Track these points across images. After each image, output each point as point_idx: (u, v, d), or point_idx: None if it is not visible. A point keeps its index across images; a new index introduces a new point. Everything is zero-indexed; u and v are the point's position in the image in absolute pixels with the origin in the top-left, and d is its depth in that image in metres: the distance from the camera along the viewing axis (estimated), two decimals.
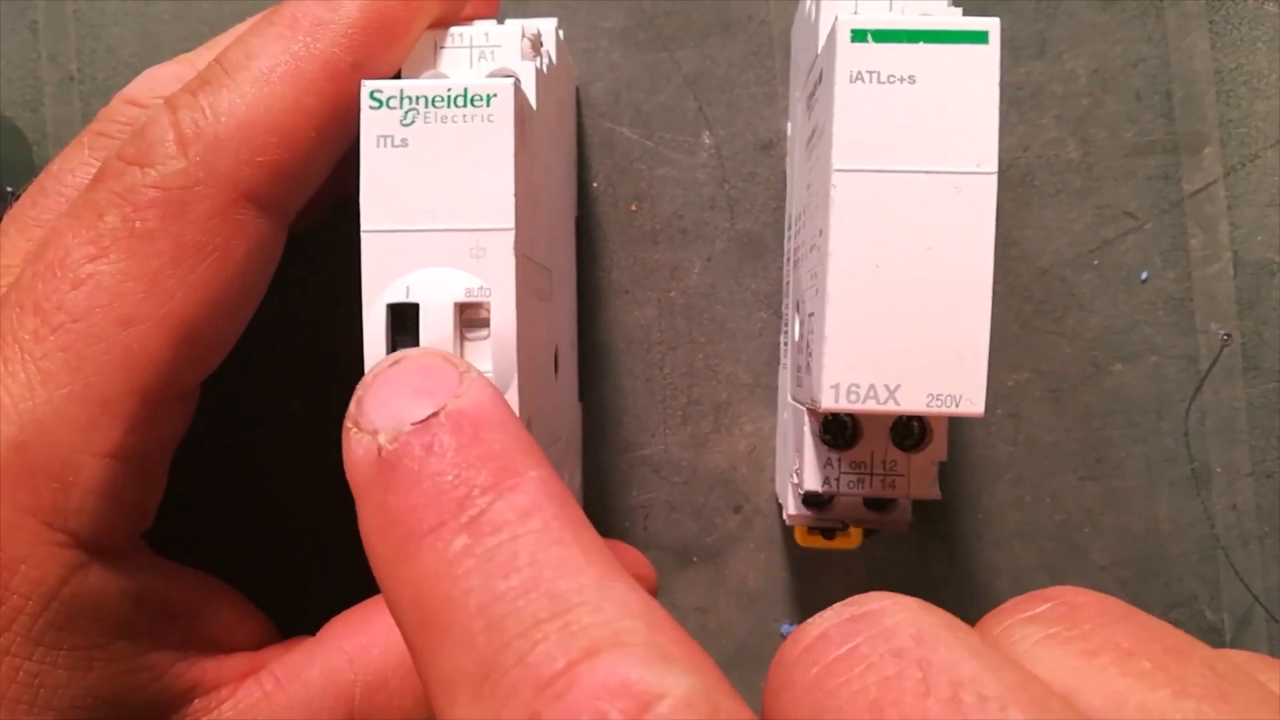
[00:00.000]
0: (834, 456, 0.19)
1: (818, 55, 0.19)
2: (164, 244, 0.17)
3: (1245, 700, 0.10)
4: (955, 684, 0.10)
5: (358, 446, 0.13)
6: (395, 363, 0.14)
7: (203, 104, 0.17)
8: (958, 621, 0.11)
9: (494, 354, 0.16)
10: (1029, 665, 0.11)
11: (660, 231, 0.25)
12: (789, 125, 0.25)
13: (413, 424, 0.13)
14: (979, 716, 0.10)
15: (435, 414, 0.13)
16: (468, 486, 0.12)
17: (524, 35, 0.18)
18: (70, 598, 0.17)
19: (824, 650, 0.11)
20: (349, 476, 0.13)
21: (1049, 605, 0.12)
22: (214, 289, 0.17)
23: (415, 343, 0.16)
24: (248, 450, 0.25)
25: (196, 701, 0.19)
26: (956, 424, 0.24)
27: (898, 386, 0.16)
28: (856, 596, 0.12)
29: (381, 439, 0.13)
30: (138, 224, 0.17)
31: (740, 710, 0.10)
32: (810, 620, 0.11)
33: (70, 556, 0.17)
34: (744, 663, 0.25)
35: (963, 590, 0.25)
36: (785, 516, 0.22)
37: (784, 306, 0.25)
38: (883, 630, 0.11)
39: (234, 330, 0.19)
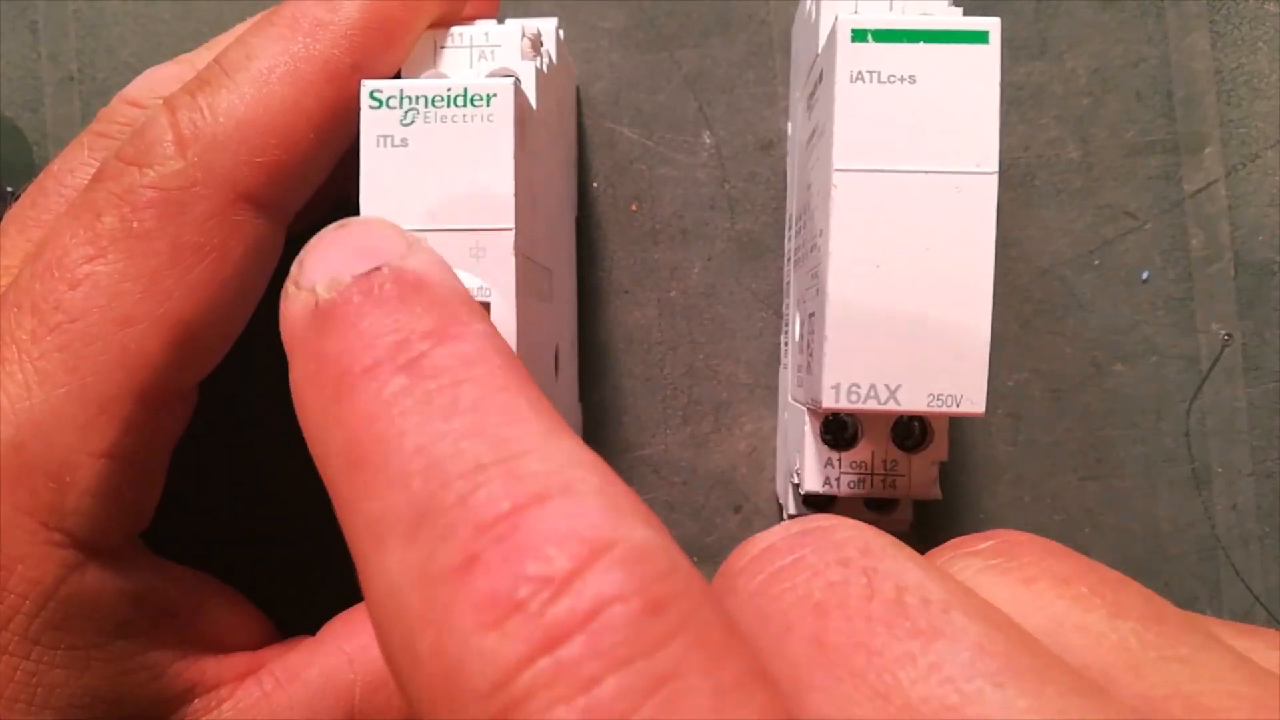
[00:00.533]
0: (834, 456, 0.19)
1: (818, 55, 0.19)
2: (162, 244, 0.17)
3: (1179, 624, 0.10)
4: (900, 588, 0.10)
5: (294, 304, 0.12)
6: (342, 225, 0.13)
7: (201, 104, 0.17)
8: (904, 544, 0.11)
9: None
10: None
11: (660, 231, 0.25)
12: (789, 125, 0.25)
13: (354, 276, 0.12)
14: (922, 616, 0.10)
15: (378, 269, 0.12)
16: (407, 331, 0.11)
17: (524, 35, 0.18)
18: (67, 597, 0.17)
19: (770, 560, 0.11)
20: (284, 338, 0.13)
21: (990, 543, 0.12)
22: (211, 290, 0.17)
23: None
24: (247, 450, 0.25)
25: (196, 701, 0.19)
26: (956, 424, 0.24)
27: (898, 386, 0.16)
28: (804, 516, 0.12)
29: (319, 289, 0.12)
30: (135, 224, 0.17)
31: (697, 572, 0.10)
32: (757, 535, 0.11)
33: (67, 556, 0.17)
34: None
35: None
36: (785, 517, 0.22)
37: (784, 306, 0.25)
38: (831, 542, 0.11)
39: (232, 331, 0.19)
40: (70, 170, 0.20)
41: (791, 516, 0.21)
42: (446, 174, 0.16)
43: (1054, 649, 0.10)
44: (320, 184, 0.19)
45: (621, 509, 0.10)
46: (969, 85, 0.16)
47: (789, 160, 0.25)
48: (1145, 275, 0.24)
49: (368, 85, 0.16)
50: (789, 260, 0.24)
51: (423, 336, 0.11)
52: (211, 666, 0.19)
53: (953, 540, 0.13)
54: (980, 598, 0.10)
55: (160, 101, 0.18)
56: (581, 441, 0.11)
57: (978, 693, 0.09)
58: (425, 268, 0.12)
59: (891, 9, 0.18)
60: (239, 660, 0.19)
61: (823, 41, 0.18)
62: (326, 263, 0.13)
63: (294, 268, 0.13)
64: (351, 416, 0.11)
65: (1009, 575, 0.11)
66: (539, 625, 0.09)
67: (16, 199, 0.20)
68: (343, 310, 0.12)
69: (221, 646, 0.20)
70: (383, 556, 0.10)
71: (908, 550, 0.11)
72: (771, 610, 0.10)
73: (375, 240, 0.13)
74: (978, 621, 0.10)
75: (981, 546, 0.12)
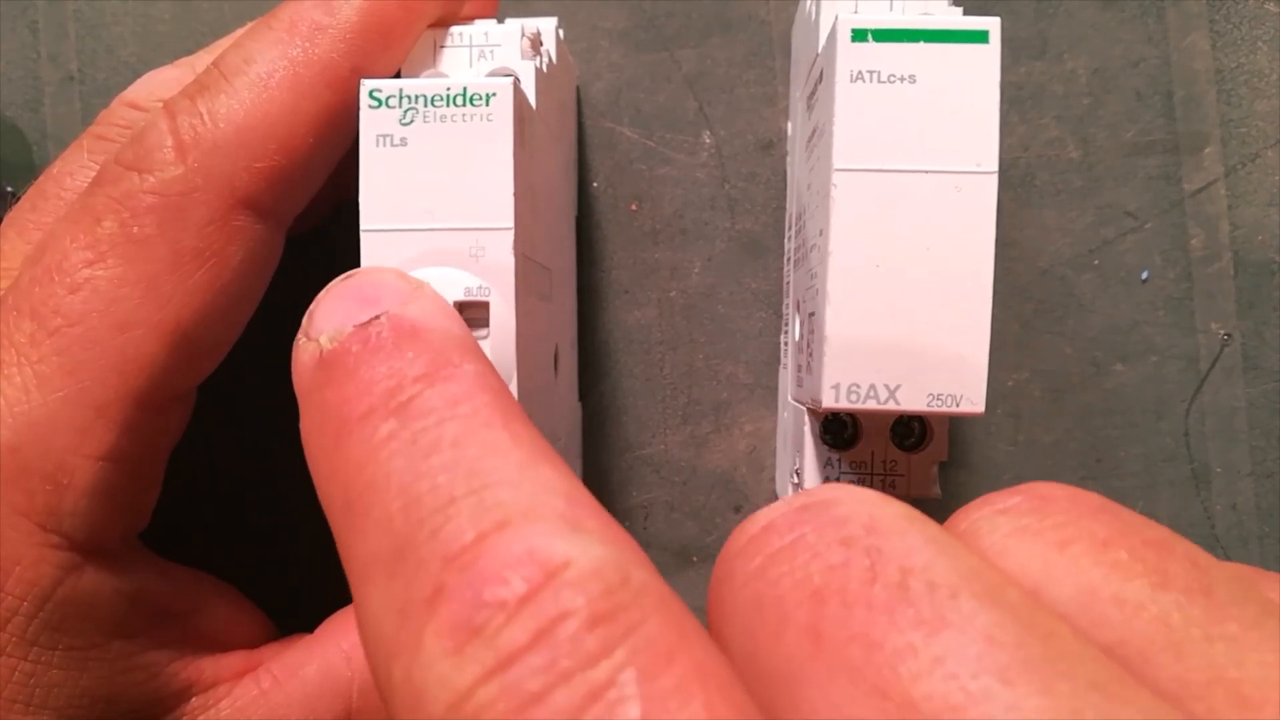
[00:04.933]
0: (834, 456, 0.19)
1: (818, 55, 0.19)
2: (161, 250, 0.17)
3: (1229, 596, 0.10)
4: (904, 571, 0.09)
5: (302, 353, 0.13)
6: (348, 277, 0.14)
7: (201, 110, 0.17)
8: (918, 512, 0.11)
9: (493, 353, 0.16)
10: (997, 558, 0.11)
11: (660, 231, 0.25)
12: (789, 125, 0.25)
13: (355, 326, 0.13)
14: (927, 603, 0.09)
15: (377, 317, 0.13)
16: (399, 377, 0.12)
17: (524, 34, 0.18)
18: (64, 598, 0.17)
19: (768, 540, 0.10)
20: (294, 385, 0.13)
21: (1020, 498, 0.11)
22: (210, 294, 0.17)
23: None
24: (246, 449, 0.25)
25: (194, 699, 0.19)
26: (956, 424, 0.24)
27: (898, 386, 0.16)
28: (810, 489, 0.11)
29: (323, 340, 0.13)
30: (135, 229, 0.17)
31: (656, 582, 0.10)
32: (758, 511, 0.11)
33: (64, 558, 0.17)
34: None
35: None
36: None
37: (784, 306, 0.25)
38: (833, 519, 0.10)
39: (230, 335, 0.19)
40: (69, 173, 0.20)
41: None
42: (446, 173, 0.16)
43: (1086, 623, 0.10)
44: (318, 188, 0.19)
45: (582, 528, 0.10)
46: (969, 85, 0.16)
47: (789, 160, 0.25)
48: (1145, 275, 0.24)
49: (367, 84, 0.16)
50: (789, 260, 0.24)
51: (414, 380, 0.12)
52: (209, 665, 0.19)
53: (982, 497, 0.12)
54: (996, 576, 0.10)
55: (159, 105, 0.18)
56: (560, 465, 0.11)
57: (984, 691, 0.08)
58: (423, 314, 0.13)
59: (891, 9, 0.18)
60: (236, 658, 0.19)
61: (823, 41, 0.18)
62: (332, 314, 0.13)
63: (305, 319, 0.14)
64: (347, 463, 0.12)
65: (1041, 538, 0.11)
66: (493, 648, 0.09)
67: (17, 199, 0.20)
68: (342, 359, 0.13)
69: (219, 645, 0.20)
70: (368, 593, 0.11)
71: (920, 522, 0.10)
72: (767, 598, 0.10)
73: (378, 290, 0.13)
74: (989, 607, 0.09)
75: (1011, 503, 0.11)
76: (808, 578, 0.10)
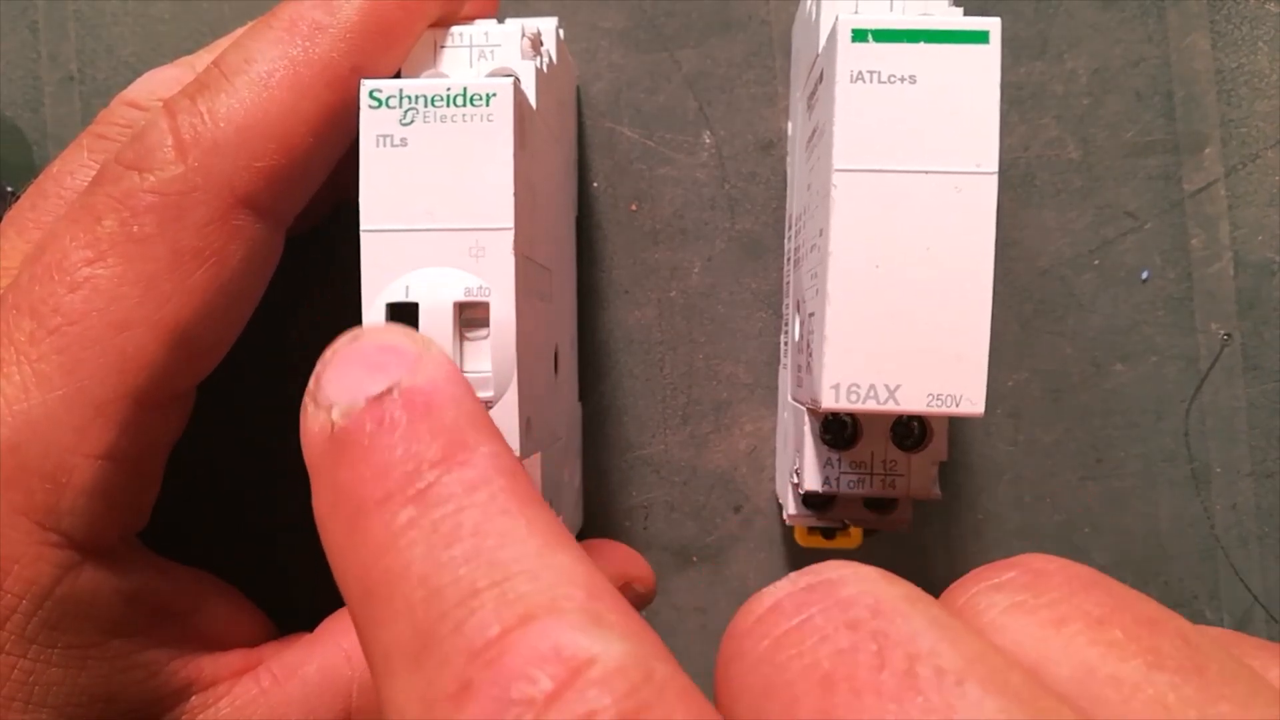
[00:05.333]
0: (834, 456, 0.19)
1: (818, 55, 0.19)
2: (160, 249, 0.17)
3: (1220, 674, 0.10)
4: (911, 657, 0.10)
5: (313, 422, 0.13)
6: (355, 339, 0.14)
7: (201, 109, 0.17)
8: (920, 592, 0.11)
9: (493, 353, 0.16)
10: (995, 635, 0.11)
11: (660, 231, 0.25)
12: (789, 125, 0.25)
13: (367, 400, 0.13)
14: (935, 691, 0.09)
15: (389, 390, 0.13)
16: (417, 461, 0.12)
17: (524, 34, 0.18)
18: (63, 597, 0.17)
19: (776, 622, 0.10)
20: (304, 453, 0.13)
21: (1015, 573, 0.12)
22: (209, 294, 0.17)
23: None
24: (246, 448, 0.25)
25: (194, 698, 0.19)
26: (956, 424, 0.24)
27: (898, 386, 0.16)
28: (814, 565, 0.11)
29: (335, 414, 0.13)
30: (135, 229, 0.17)
31: (677, 676, 0.10)
32: (764, 590, 0.11)
33: (63, 556, 0.17)
34: None
35: None
36: (785, 516, 0.22)
37: (784, 306, 0.25)
38: (838, 601, 0.10)
39: (229, 334, 0.19)
40: (70, 172, 0.20)
41: (791, 516, 0.21)
42: (446, 173, 0.16)
43: (1085, 703, 0.10)
44: (318, 187, 0.19)
45: (603, 622, 0.10)
46: (969, 85, 0.16)
47: (789, 160, 0.25)
48: (1145, 275, 0.24)
49: (367, 84, 0.16)
50: (789, 260, 0.24)
51: (431, 465, 0.12)
52: (209, 664, 0.19)
53: (976, 570, 0.12)
54: (1000, 659, 0.10)
55: (160, 104, 0.18)
56: (578, 552, 0.12)
57: None
58: (433, 384, 0.13)
59: (891, 9, 0.18)
60: (236, 657, 0.19)
61: (823, 41, 0.18)
62: (341, 383, 0.13)
63: (312, 382, 0.13)
64: (365, 548, 0.12)
65: (1037, 615, 0.11)
66: None
67: (16, 199, 0.20)
68: (356, 439, 0.13)
69: (219, 644, 0.20)
70: (392, 683, 0.11)
71: (923, 603, 0.10)
72: (777, 681, 0.10)
73: (386, 356, 0.13)
74: (994, 693, 0.09)
75: (1006, 578, 0.12)
76: (816, 663, 0.10)
